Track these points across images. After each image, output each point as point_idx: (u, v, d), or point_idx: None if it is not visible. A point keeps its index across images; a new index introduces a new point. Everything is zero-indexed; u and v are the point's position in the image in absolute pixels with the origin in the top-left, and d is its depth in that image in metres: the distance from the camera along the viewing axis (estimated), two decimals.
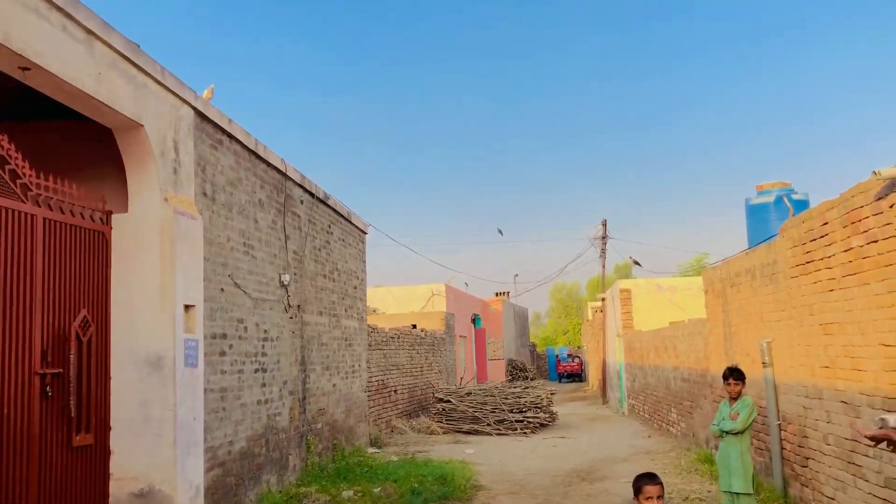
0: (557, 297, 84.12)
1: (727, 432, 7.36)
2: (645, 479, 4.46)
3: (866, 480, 6.43)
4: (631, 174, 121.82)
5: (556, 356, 50.07)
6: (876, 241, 6.03)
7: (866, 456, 6.41)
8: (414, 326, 22.86)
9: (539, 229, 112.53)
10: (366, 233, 15.75)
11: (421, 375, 21.89)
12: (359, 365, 14.69)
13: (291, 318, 10.93)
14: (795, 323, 7.96)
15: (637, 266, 32.71)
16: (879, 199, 5.91)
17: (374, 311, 25.28)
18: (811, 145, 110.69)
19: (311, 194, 12.15)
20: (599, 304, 30.01)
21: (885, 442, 4.80)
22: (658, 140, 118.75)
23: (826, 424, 7.29)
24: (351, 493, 10.07)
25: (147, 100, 7.15)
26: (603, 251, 30.70)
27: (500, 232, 63.81)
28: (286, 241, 10.87)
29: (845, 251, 6.61)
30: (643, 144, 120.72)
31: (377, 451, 14.49)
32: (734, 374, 7.51)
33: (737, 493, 7.28)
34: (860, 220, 6.29)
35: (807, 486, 7.92)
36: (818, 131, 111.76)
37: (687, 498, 9.48)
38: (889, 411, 5.68)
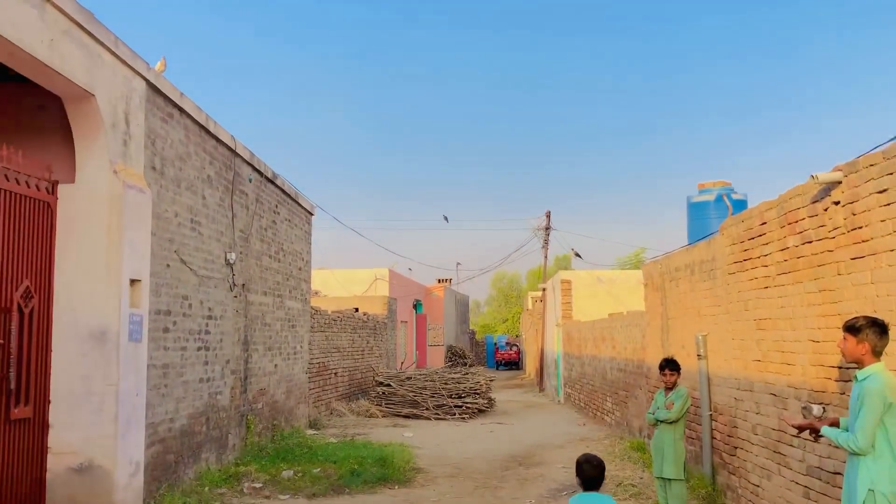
0: (498, 285, 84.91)
1: (662, 421, 7.65)
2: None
3: (790, 469, 6.77)
4: (574, 167, 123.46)
5: (495, 344, 50.59)
6: (810, 242, 6.32)
7: (791, 445, 6.74)
8: (356, 310, 22.87)
9: (483, 218, 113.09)
10: (312, 214, 15.69)
11: (362, 359, 21.93)
12: (301, 346, 14.66)
13: (236, 297, 10.86)
14: (731, 318, 8.28)
15: (577, 258, 33.21)
16: (815, 202, 6.20)
17: (317, 293, 25.16)
18: (751, 146, 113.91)
19: (260, 173, 12.05)
20: (540, 293, 30.46)
21: (809, 430, 5.12)
22: (603, 134, 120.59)
23: (755, 415, 7.63)
24: (290, 473, 10.10)
25: (100, 69, 7.01)
26: (546, 242, 31.13)
27: (446, 219, 63.56)
28: (233, 220, 10.78)
29: (781, 250, 6.91)
30: (588, 137, 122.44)
31: (316, 432, 14.50)
32: (670, 365, 7.83)
33: (669, 479, 7.58)
34: (797, 221, 6.58)
35: (734, 474, 8.27)
36: (759, 133, 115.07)
37: (620, 484, 9.78)
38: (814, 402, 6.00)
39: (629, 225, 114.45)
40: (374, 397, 19.03)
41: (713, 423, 9.02)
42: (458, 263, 72.53)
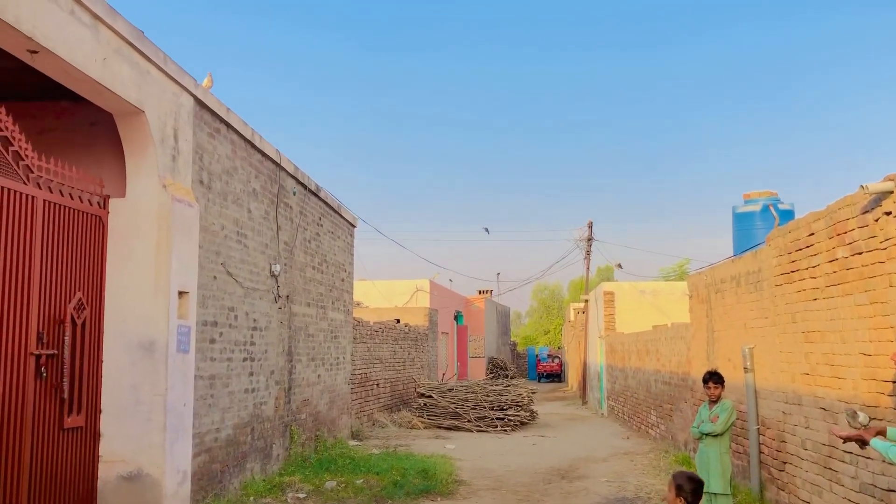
0: (539, 297, 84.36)
1: (707, 434, 7.53)
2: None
3: (841, 485, 6.61)
4: (618, 178, 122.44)
5: (537, 356, 50.28)
6: (860, 253, 6.19)
7: (842, 462, 6.58)
8: (398, 321, 22.96)
9: (525, 229, 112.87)
10: (355, 226, 15.82)
11: (403, 370, 22.00)
12: (343, 357, 14.77)
13: (280, 308, 11.00)
14: (778, 330, 8.13)
15: (619, 269, 32.92)
16: (865, 212, 6.08)
17: (359, 304, 25.34)
18: (798, 157, 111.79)
19: (304, 185, 12.21)
20: (582, 305, 30.23)
21: (856, 441, 4.99)
22: (647, 144, 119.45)
23: (804, 430, 7.47)
24: (334, 483, 10.17)
25: (149, 86, 7.19)
26: (588, 253, 30.90)
27: (487, 230, 63.68)
28: (278, 232, 10.93)
29: (830, 262, 6.77)
30: (632, 148, 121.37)
31: (358, 443, 14.58)
32: (714, 378, 7.73)
33: (714, 494, 7.44)
34: (846, 233, 6.45)
35: (783, 490, 8.10)
36: (807, 144, 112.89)
37: (665, 498, 9.63)
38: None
39: (673, 236, 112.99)
40: (416, 409, 19.06)
41: (761, 437, 8.85)
42: (499, 274, 72.49)
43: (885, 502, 5.77)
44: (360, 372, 17.65)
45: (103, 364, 7.13)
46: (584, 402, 28.17)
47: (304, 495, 9.66)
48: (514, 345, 60.26)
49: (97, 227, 7.09)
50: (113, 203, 7.28)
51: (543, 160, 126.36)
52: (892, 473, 5.48)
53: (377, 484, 10.29)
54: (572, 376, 36.71)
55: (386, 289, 29.68)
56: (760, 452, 8.87)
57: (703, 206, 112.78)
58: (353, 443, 14.38)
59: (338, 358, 14.33)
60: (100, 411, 7.08)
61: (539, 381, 45.82)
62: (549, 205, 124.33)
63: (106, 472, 7.07)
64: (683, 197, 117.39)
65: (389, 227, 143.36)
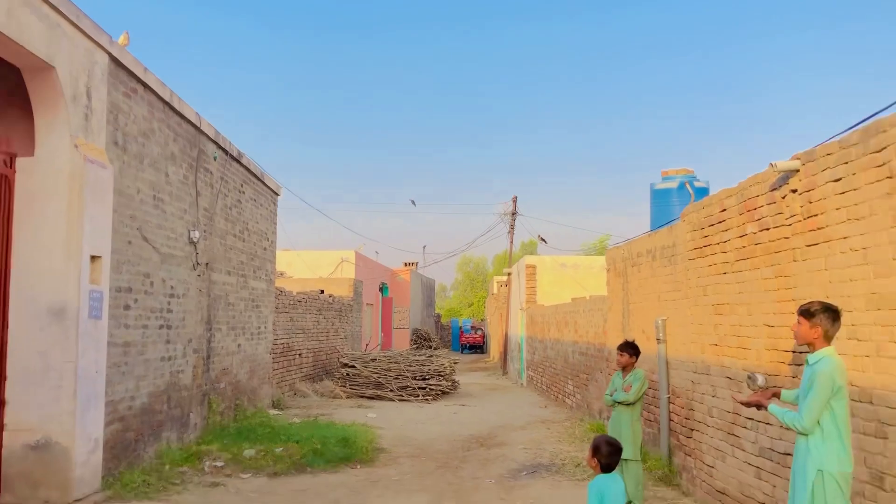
0: (465, 270, 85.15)
1: (620, 402, 7.79)
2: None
3: (743, 450, 6.95)
4: (543, 154, 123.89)
5: (460, 328, 50.82)
6: (768, 229, 6.46)
7: (744, 428, 6.92)
8: (322, 292, 22.80)
9: (451, 202, 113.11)
10: (278, 194, 15.57)
11: (326, 340, 21.91)
12: (265, 327, 14.60)
13: (199, 275, 10.77)
14: (690, 303, 8.43)
15: (543, 243, 33.46)
16: (774, 189, 6.34)
17: (282, 274, 25.03)
18: (717, 136, 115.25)
19: (225, 151, 11.93)
20: (505, 278, 30.64)
21: (756, 406, 5.26)
22: (570, 122, 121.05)
23: (711, 398, 7.80)
24: (253, 452, 10.09)
25: (60, 41, 6.87)
26: (512, 227, 31.27)
27: (413, 202, 63.70)
28: (197, 198, 10.67)
29: (740, 237, 7.04)
30: (556, 125, 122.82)
31: (279, 412, 14.49)
32: (627, 348, 7.99)
33: (625, 460, 7.70)
34: (755, 209, 6.72)
35: (690, 456, 8.46)
36: (726, 121, 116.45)
37: (579, 465, 9.94)
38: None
39: (597, 212, 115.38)
40: (339, 378, 19.04)
41: (671, 405, 9.20)
42: (425, 247, 72.42)
43: (782, 465, 6.09)
44: (283, 342, 17.49)
45: (9, 330, 6.86)
46: (505, 373, 28.67)
47: (222, 464, 9.57)
48: (439, 317, 60.67)
49: (3, 188, 6.78)
50: (21, 162, 6.97)
51: (470, 134, 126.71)
52: (788, 438, 5.78)
53: (297, 452, 10.26)
54: (494, 348, 37.27)
55: (311, 259, 29.39)
56: (670, 420, 9.23)
57: (626, 184, 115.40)
58: (273, 412, 14.27)
59: (259, 327, 14.15)
60: (4, 378, 6.82)
61: (462, 353, 46.35)
62: (476, 179, 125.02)
63: (11, 441, 6.84)
64: (608, 174, 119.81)
65: (315, 198, 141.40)
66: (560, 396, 17.55)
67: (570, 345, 16.40)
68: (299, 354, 19.07)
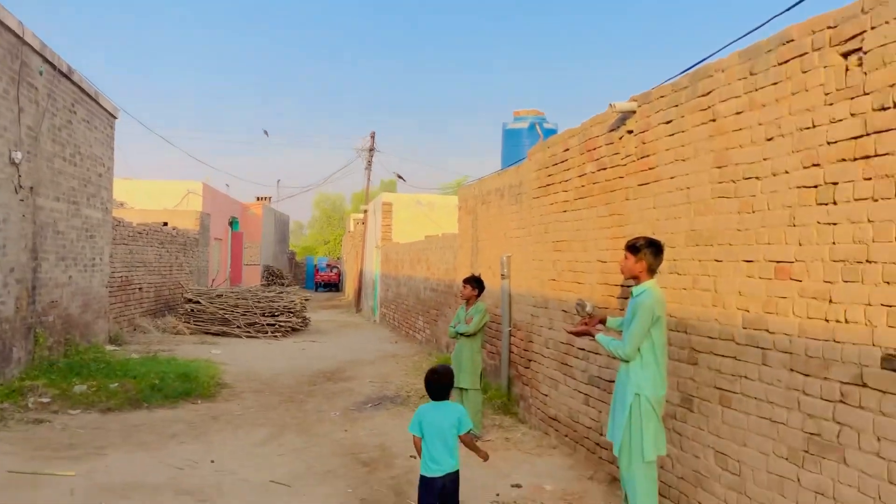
0: (322, 207, 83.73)
1: (462, 334, 8.01)
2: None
3: (574, 378, 7.33)
4: (405, 92, 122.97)
5: (315, 266, 50.28)
6: (605, 169, 6.71)
7: (576, 357, 7.28)
8: (165, 224, 21.77)
9: (306, 135, 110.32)
10: (115, 117, 14.56)
11: (170, 275, 21.04)
12: (100, 258, 13.78)
13: (22, 200, 9.95)
14: (533, 240, 8.70)
15: (402, 181, 33.43)
16: (612, 130, 6.57)
17: (122, 204, 23.63)
18: (569, 78, 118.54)
19: (53, 66, 10.95)
20: (362, 215, 30.46)
21: (584, 335, 5.55)
22: (433, 62, 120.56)
23: (548, 330, 8.14)
24: (84, 387, 9.60)
25: None
26: (370, 163, 30.99)
27: (266, 133, 61.42)
28: (19, 115, 9.77)
29: (580, 176, 7.29)
30: (419, 64, 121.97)
31: (117, 348, 13.84)
32: (469, 282, 8.30)
33: (465, 389, 7.97)
34: (595, 149, 6.95)
35: (527, 385, 8.84)
36: (576, 61, 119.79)
37: (423, 396, 10.15)
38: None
39: (457, 153, 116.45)
40: (183, 314, 18.39)
41: (512, 338, 9.53)
42: (279, 181, 70.66)
43: (607, 391, 6.47)
44: (121, 275, 16.62)
45: None
46: (359, 310, 28.76)
47: (49, 400, 9.04)
48: (293, 254, 59.72)
49: None
50: None
51: (328, 67, 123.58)
52: (614, 367, 6.13)
53: (133, 388, 9.86)
54: (349, 285, 37.22)
55: (154, 190, 27.89)
56: (511, 352, 9.58)
57: (486, 125, 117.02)
58: (110, 348, 13.61)
59: (94, 259, 13.33)
60: None
61: (317, 291, 46.00)
62: (332, 112, 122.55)
63: None
64: (468, 115, 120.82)
65: (160, 125, 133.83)
66: (411, 332, 17.83)
67: (423, 281, 16.61)
68: (140, 289, 18.21)
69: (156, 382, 10.07)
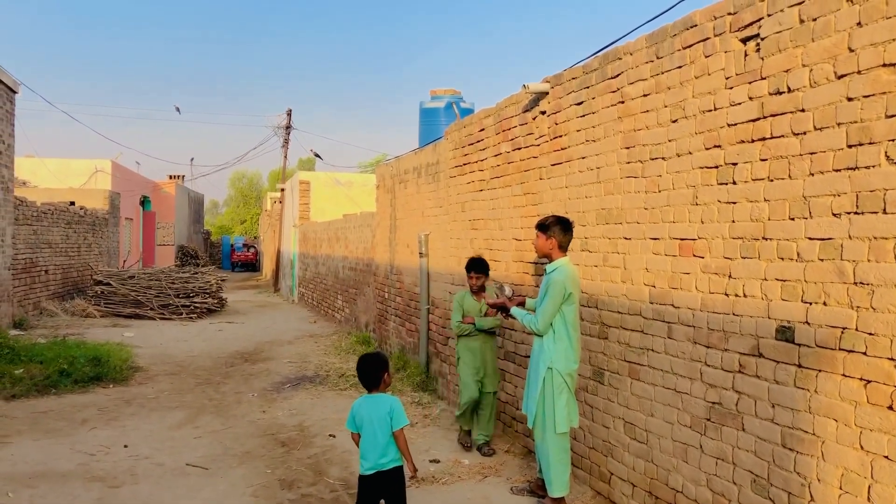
0: (238, 186, 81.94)
1: (481, 330, 6.76)
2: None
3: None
4: (321, 68, 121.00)
5: (232, 245, 49.25)
6: (520, 149, 6.82)
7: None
8: (72, 203, 20.91)
9: (221, 112, 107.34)
10: (16, 91, 13.86)
11: (78, 256, 20.27)
12: (1, 240, 13.16)
13: None
14: (450, 218, 8.77)
15: (319, 159, 32.96)
16: (526, 111, 6.67)
17: (25, 183, 22.58)
18: (486, 59, 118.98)
19: None
20: (279, 194, 29.97)
21: (501, 309, 5.69)
22: (353, 38, 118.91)
23: None
24: None
25: None
26: (286, 141, 30.46)
27: (178, 110, 59.20)
28: None
29: (495, 156, 7.38)
30: (335, 39, 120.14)
31: (22, 332, 13.30)
32: (475, 266, 6.74)
33: (489, 393, 6.81)
34: (510, 129, 7.05)
35: (445, 362, 8.95)
36: (492, 46, 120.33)
37: (343, 375, 10.17)
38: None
39: (374, 131, 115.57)
40: (92, 297, 17.77)
41: (430, 315, 9.61)
42: (192, 159, 68.56)
43: (523, 367, 6.63)
44: (25, 257, 15.93)
45: None
46: (277, 290, 28.38)
47: None
48: (208, 234, 58.27)
49: None
50: None
51: (242, 43, 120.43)
52: (529, 342, 6.28)
53: (40, 373, 9.51)
54: (267, 265, 36.65)
55: (59, 168, 26.73)
56: (429, 329, 9.66)
57: (404, 103, 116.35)
58: (14, 332, 13.06)
59: None
60: None
61: (233, 271, 45.13)
62: (247, 89, 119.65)
63: None
64: (386, 93, 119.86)
65: (65, 102, 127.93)
66: (330, 311, 17.73)
67: (341, 260, 16.53)
68: (45, 271, 17.48)
69: (65, 367, 9.73)
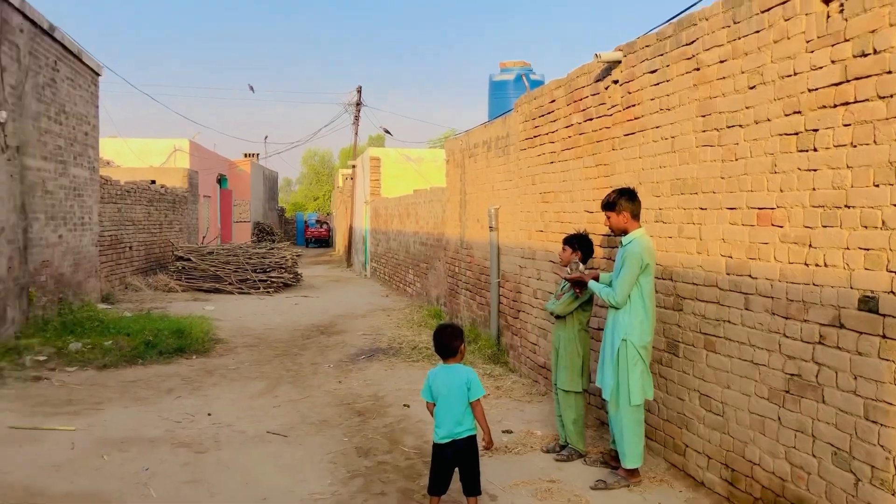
0: (310, 163, 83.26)
1: (553, 314, 6.09)
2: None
3: None
4: (390, 46, 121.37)
5: (305, 222, 50.25)
6: (591, 119, 6.75)
7: None
8: (153, 182, 21.67)
9: (293, 90, 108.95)
10: (99, 74, 14.40)
11: (160, 233, 21.03)
12: (89, 217, 13.77)
13: (9, 160, 9.90)
14: (520, 192, 8.75)
15: (389, 136, 33.25)
16: (598, 80, 6.58)
17: (109, 163, 23.49)
18: (556, 32, 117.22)
19: (33, 23, 10.80)
20: (350, 171, 30.36)
21: (578, 283, 5.67)
22: (420, 13, 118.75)
23: (536, 281, 8.25)
24: (79, 345, 9.70)
25: None
26: (357, 118, 30.77)
27: (252, 88, 60.54)
28: (2, 73, 9.67)
29: (566, 127, 7.32)
30: (405, 15, 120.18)
31: (110, 306, 13.91)
32: (570, 242, 6.01)
33: (564, 391, 5.88)
34: (581, 100, 6.97)
35: (516, 335, 8.99)
36: (562, 17, 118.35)
37: (415, 347, 10.31)
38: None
39: (443, 106, 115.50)
40: (174, 272, 18.44)
41: (501, 289, 9.65)
42: (266, 137, 69.97)
43: (595, 339, 6.60)
44: (111, 234, 16.62)
45: None
46: (350, 265, 28.86)
47: (45, 357, 9.14)
48: (283, 210, 59.59)
49: None
50: None
51: (312, 21, 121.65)
52: (600, 315, 6.26)
53: (128, 345, 9.97)
54: (339, 241, 37.27)
55: (140, 148, 27.70)
56: (500, 303, 9.70)
57: (471, 78, 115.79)
58: (103, 306, 13.68)
59: (83, 218, 13.32)
60: None
61: (307, 247, 46.07)
62: (319, 67, 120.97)
63: None
64: (455, 69, 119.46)
65: (144, 82, 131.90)
66: (401, 286, 17.96)
67: (412, 235, 16.69)
68: (130, 247, 18.21)
69: (150, 339, 10.17)
